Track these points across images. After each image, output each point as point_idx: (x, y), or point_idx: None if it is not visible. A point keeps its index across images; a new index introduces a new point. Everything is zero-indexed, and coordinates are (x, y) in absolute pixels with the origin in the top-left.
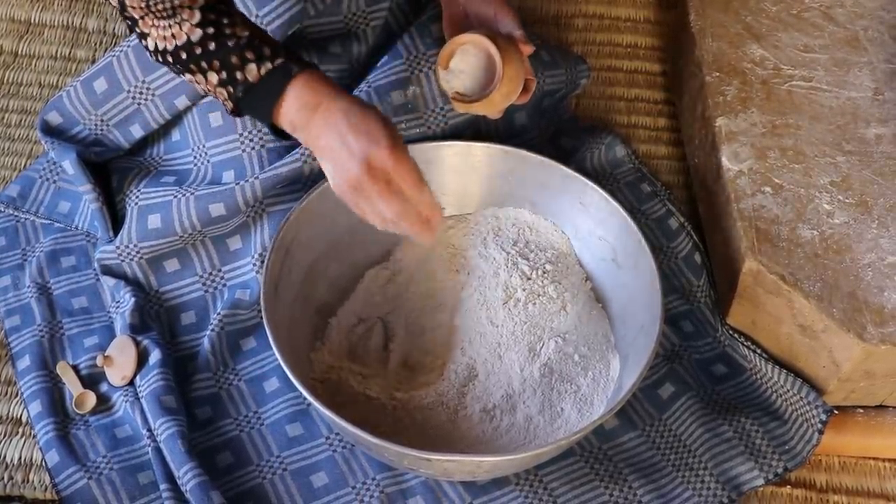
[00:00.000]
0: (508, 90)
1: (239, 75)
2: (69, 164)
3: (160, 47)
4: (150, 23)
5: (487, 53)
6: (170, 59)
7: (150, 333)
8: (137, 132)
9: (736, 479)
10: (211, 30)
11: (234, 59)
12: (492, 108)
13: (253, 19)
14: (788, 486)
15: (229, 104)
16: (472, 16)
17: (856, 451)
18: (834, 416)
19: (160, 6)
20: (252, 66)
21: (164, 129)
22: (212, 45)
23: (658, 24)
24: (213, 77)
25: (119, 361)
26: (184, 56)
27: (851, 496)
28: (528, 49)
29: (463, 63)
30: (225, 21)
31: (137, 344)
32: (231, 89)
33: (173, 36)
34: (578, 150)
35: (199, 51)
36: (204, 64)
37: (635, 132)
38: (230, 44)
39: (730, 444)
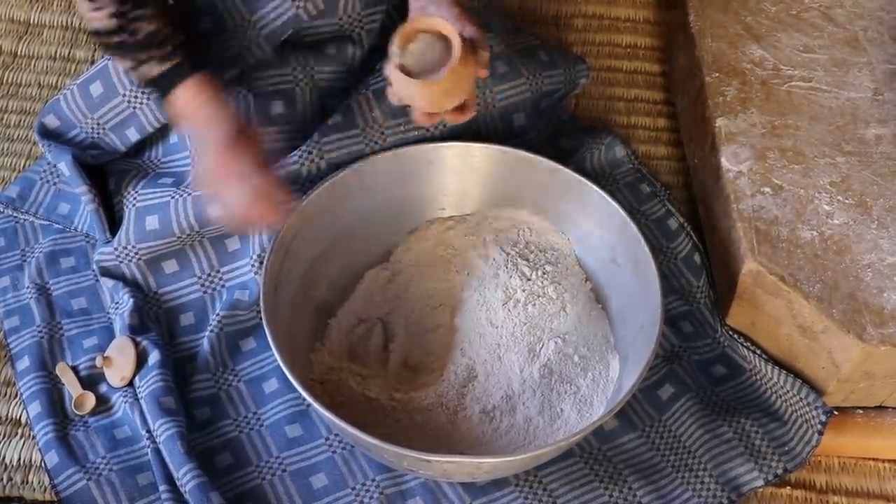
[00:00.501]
0: (450, 88)
1: (142, 69)
2: (65, 166)
3: (87, 26)
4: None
5: (446, 45)
6: (93, 38)
7: (150, 334)
8: (133, 136)
9: (735, 480)
10: (121, 22)
11: (138, 55)
12: (427, 96)
13: (245, 24)
14: (788, 487)
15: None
16: None
17: (855, 451)
18: (833, 417)
19: None
20: (152, 65)
21: (162, 132)
22: (121, 37)
23: (657, 24)
24: (125, 64)
25: (118, 362)
26: (98, 41)
27: (851, 497)
28: (482, 72)
29: (418, 51)
30: (135, 14)
31: (137, 345)
32: (136, 78)
33: (93, 19)
34: (578, 151)
35: (112, 40)
36: (114, 52)
37: (635, 132)
38: (134, 39)
39: (729, 444)
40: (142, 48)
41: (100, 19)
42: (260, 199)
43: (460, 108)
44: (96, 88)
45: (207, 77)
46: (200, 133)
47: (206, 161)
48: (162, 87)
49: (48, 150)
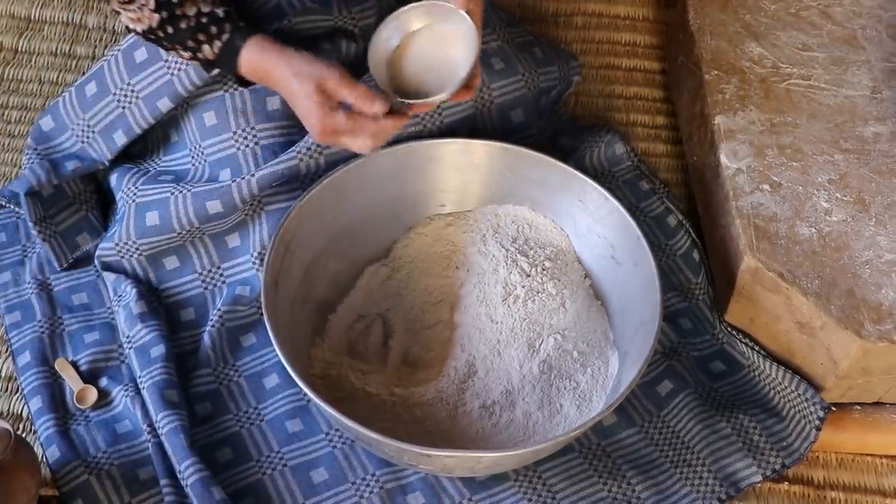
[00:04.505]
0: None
1: (200, 54)
2: (21, 199)
3: (132, 28)
4: (118, 5)
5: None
6: (143, 39)
7: (155, 323)
8: (120, 139)
9: (734, 476)
10: (165, 14)
11: (190, 42)
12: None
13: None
14: (786, 483)
15: (203, 69)
16: None
17: (853, 447)
18: (831, 413)
19: None
20: (206, 48)
21: (163, 132)
22: (169, 30)
23: (657, 22)
24: (185, 53)
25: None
26: (153, 38)
27: (849, 492)
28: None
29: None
30: (174, 1)
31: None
32: (199, 61)
33: (139, 20)
34: (577, 149)
35: (161, 34)
36: (169, 44)
37: (634, 130)
38: (183, 26)
39: (728, 440)
40: (193, 31)
41: (144, 19)
42: (370, 134)
43: (467, 89)
44: (91, 89)
45: (262, 39)
46: (281, 93)
47: (307, 120)
48: (225, 64)
49: (26, 165)
